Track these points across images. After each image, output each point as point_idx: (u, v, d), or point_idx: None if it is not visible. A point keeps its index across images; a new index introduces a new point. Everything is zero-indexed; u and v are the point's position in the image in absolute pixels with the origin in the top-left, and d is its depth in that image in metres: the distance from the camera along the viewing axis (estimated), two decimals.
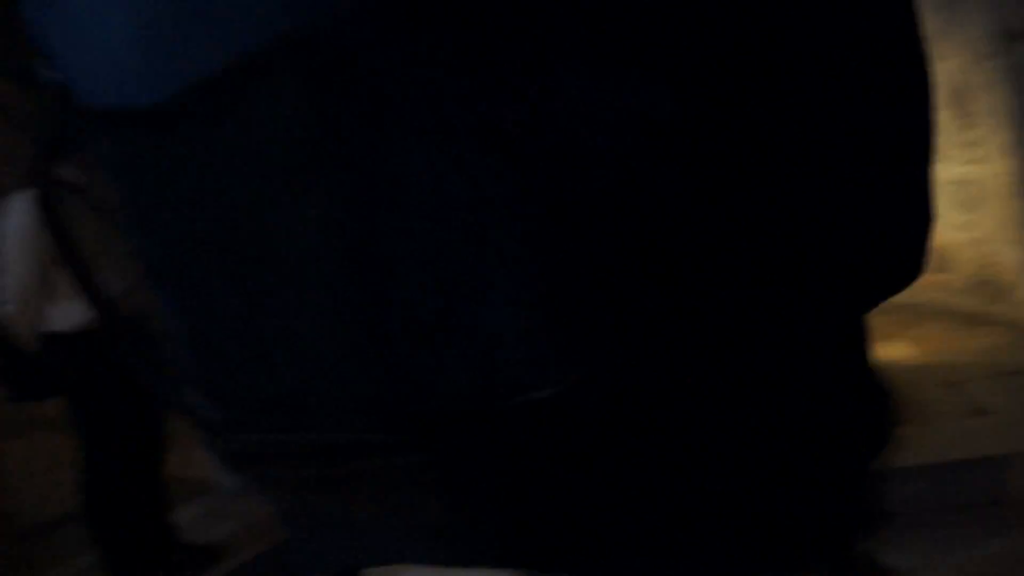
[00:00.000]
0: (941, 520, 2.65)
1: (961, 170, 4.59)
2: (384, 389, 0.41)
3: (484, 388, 0.40)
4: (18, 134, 2.69)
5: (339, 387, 0.42)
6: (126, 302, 0.56)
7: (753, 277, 0.43)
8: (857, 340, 0.53)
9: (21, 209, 2.33)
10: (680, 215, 0.39)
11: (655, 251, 0.39)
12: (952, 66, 4.40)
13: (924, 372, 3.81)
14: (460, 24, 0.37)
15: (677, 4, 0.38)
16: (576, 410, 0.40)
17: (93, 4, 0.42)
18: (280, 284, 0.41)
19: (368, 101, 0.38)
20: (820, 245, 0.45)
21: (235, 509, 3.23)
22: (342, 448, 0.44)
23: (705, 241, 0.40)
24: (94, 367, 2.47)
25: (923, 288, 5.44)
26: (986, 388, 3.42)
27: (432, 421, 0.41)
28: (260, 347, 0.42)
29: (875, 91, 0.46)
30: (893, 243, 0.50)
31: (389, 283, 0.39)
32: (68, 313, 2.37)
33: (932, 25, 4.48)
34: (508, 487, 0.44)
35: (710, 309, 0.41)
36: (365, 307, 0.40)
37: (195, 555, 2.87)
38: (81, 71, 0.44)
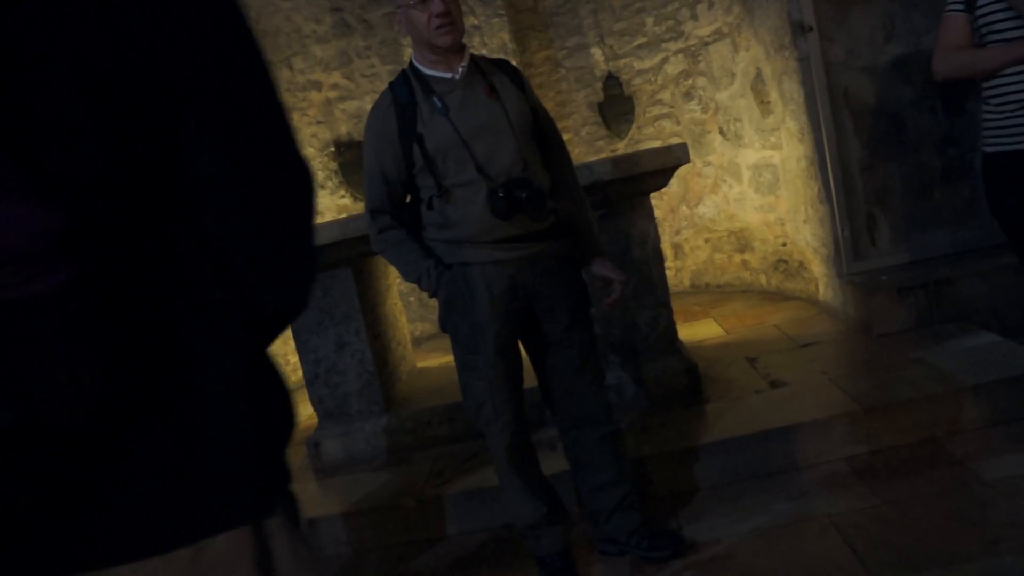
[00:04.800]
0: (743, 490, 2.78)
1: (760, 155, 4.85)
2: None
3: None
4: None
5: None
6: None
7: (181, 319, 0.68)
8: (260, 361, 0.75)
9: None
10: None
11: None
12: (751, 56, 4.62)
13: (728, 349, 4.01)
14: None
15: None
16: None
17: None
18: None
19: None
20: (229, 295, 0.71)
21: None
22: None
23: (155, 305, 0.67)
24: None
25: (727, 268, 5.72)
26: (782, 361, 3.63)
27: None
28: None
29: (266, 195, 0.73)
30: (282, 289, 0.76)
31: None
32: None
33: (734, 16, 4.70)
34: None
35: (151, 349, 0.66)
36: None
37: None
38: None
